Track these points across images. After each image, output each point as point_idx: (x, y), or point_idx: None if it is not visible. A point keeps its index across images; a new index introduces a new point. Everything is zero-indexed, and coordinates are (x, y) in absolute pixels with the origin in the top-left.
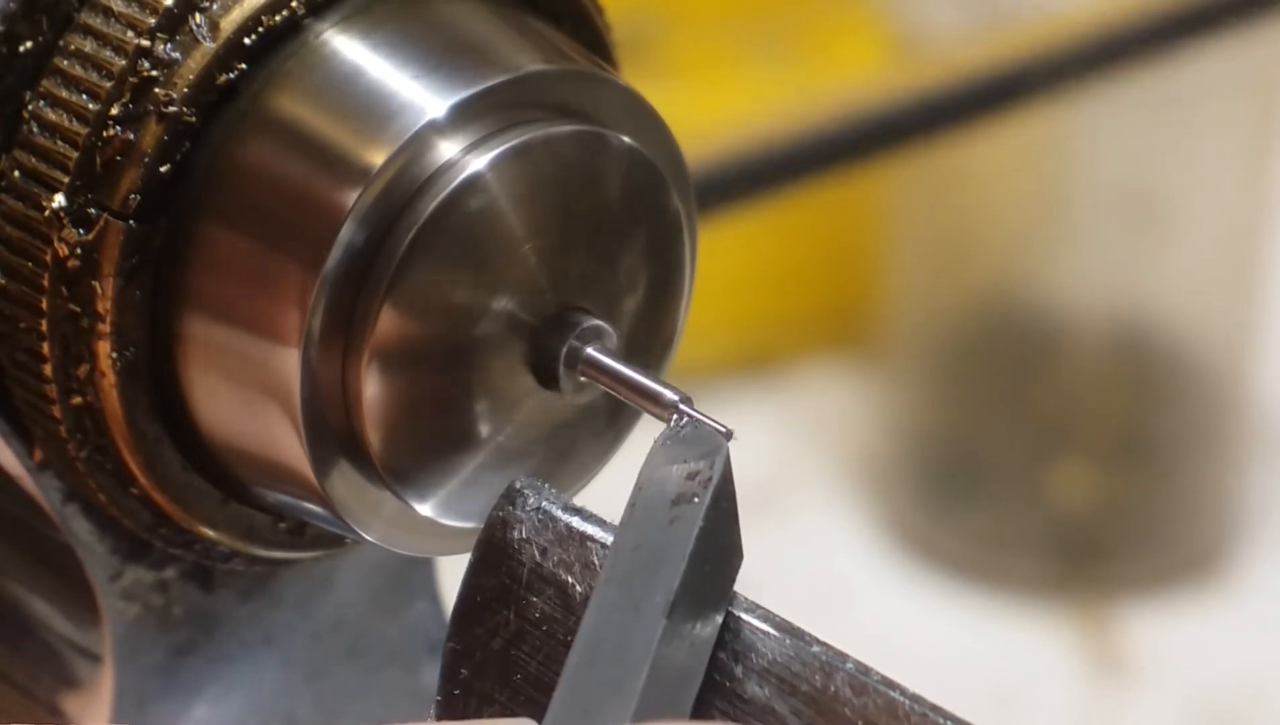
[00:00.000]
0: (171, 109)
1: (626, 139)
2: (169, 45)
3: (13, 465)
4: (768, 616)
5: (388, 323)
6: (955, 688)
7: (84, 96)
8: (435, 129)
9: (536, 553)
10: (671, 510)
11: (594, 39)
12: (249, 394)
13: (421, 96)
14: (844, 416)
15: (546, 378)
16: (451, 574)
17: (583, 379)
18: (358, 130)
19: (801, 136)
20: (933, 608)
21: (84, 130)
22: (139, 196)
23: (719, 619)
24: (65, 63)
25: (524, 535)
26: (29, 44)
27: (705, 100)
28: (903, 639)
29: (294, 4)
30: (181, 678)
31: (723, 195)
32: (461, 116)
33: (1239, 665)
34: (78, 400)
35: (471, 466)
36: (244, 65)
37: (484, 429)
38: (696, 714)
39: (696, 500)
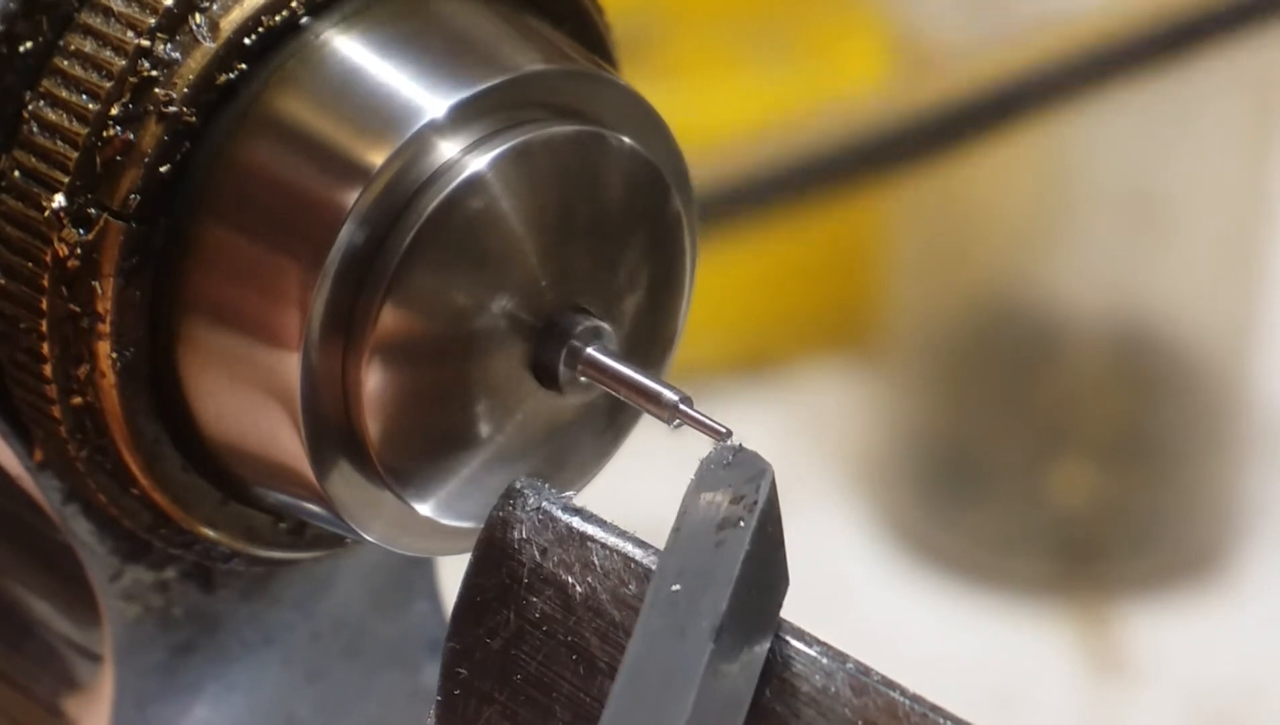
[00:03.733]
0: (171, 109)
1: (626, 139)
2: (169, 45)
3: (13, 465)
4: None
5: (388, 323)
6: (955, 688)
7: (84, 96)
8: (435, 129)
9: (536, 553)
10: (717, 534)
11: (594, 39)
12: (249, 394)
13: (421, 96)
14: (844, 416)
15: (546, 378)
16: (451, 574)
17: (583, 379)
18: (358, 130)
19: (803, 150)
20: (933, 608)
21: (84, 130)
22: (139, 196)
23: (766, 644)
24: (65, 63)
25: (524, 535)
26: (29, 44)
27: (705, 100)
28: (903, 639)
29: (294, 4)
30: (182, 678)
31: (724, 209)
32: (461, 117)
33: (1239, 665)
34: (78, 400)
35: (471, 466)
36: (244, 65)
37: (484, 429)
38: None
39: (742, 524)
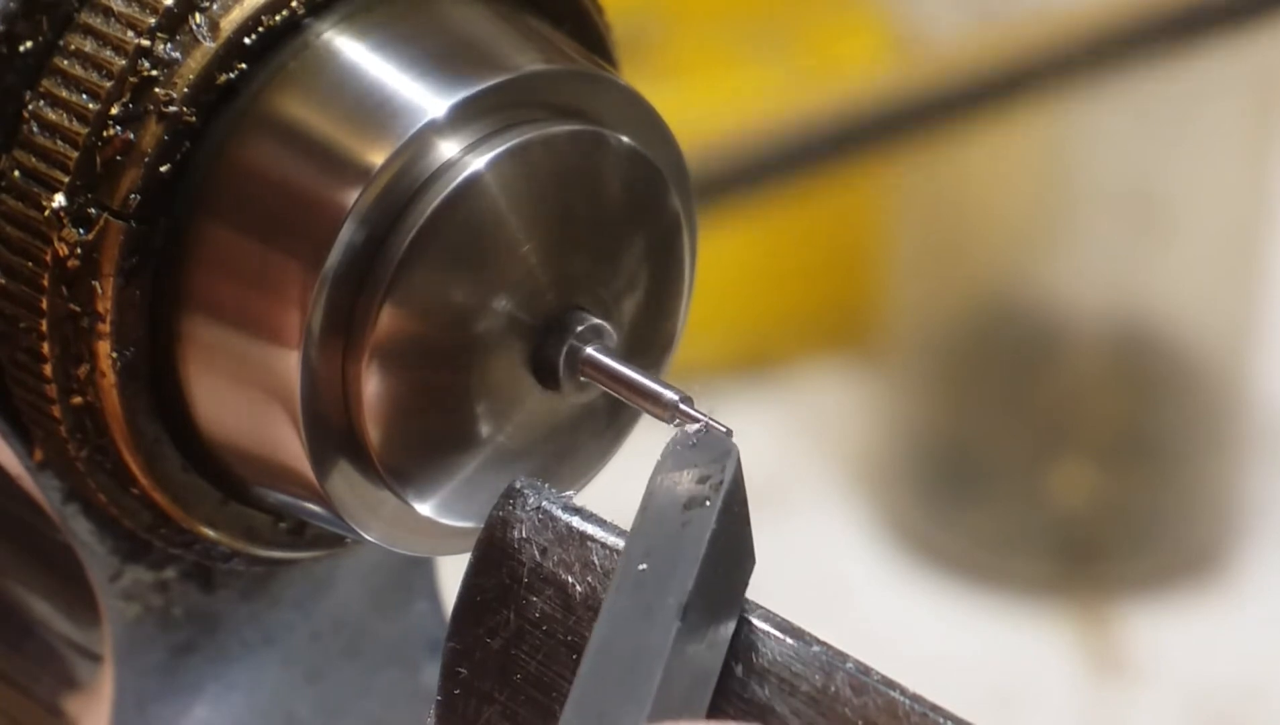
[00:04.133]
0: (172, 109)
1: (626, 139)
2: (169, 45)
3: (13, 465)
4: (768, 616)
5: (388, 322)
6: (955, 688)
7: (84, 96)
8: (435, 129)
9: (536, 552)
10: (683, 514)
11: (594, 39)
12: (249, 394)
13: (421, 96)
14: (844, 416)
15: (546, 378)
16: (451, 574)
17: (583, 379)
18: (358, 130)
19: (801, 131)
20: (933, 608)
21: (84, 130)
22: (139, 196)
23: (733, 622)
24: (65, 62)
25: (524, 535)
26: (29, 44)
27: (705, 100)
28: (903, 639)
29: (294, 4)
30: (182, 678)
31: (723, 192)
32: (461, 116)
33: (1239, 665)
34: (78, 400)
35: (471, 466)
36: (244, 65)
37: (484, 429)
38: (710, 717)
39: (708, 504)
